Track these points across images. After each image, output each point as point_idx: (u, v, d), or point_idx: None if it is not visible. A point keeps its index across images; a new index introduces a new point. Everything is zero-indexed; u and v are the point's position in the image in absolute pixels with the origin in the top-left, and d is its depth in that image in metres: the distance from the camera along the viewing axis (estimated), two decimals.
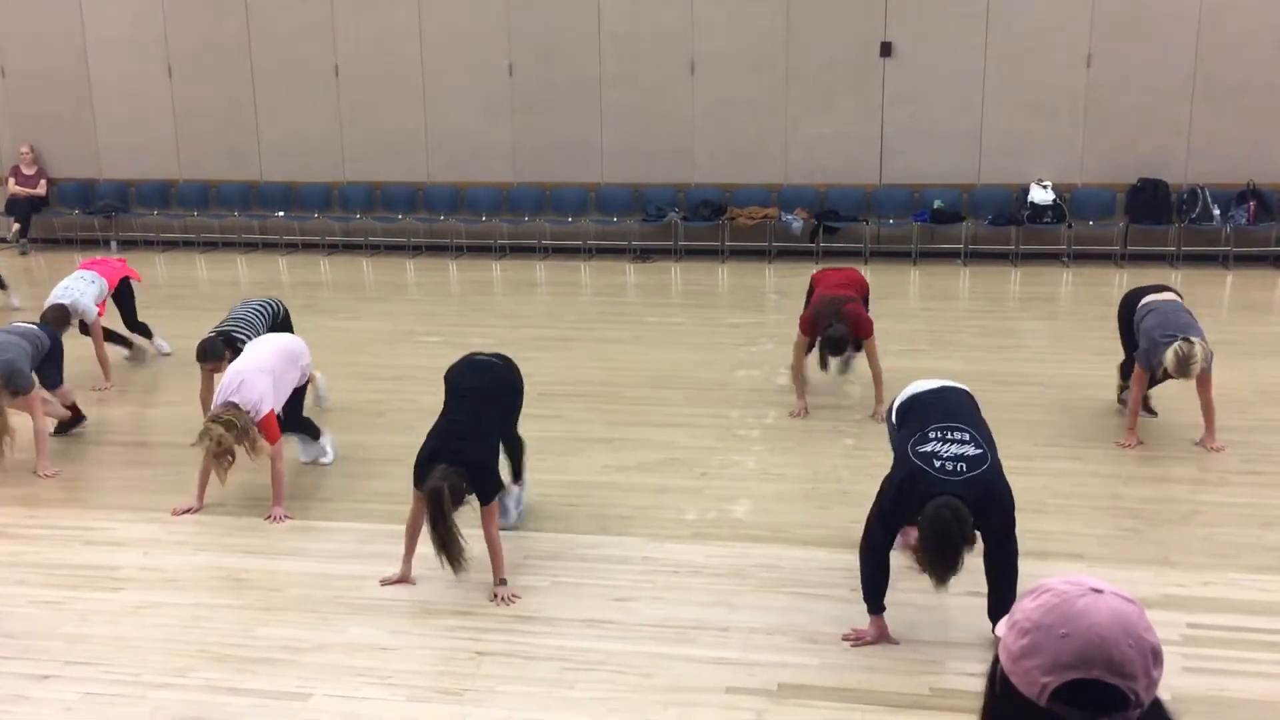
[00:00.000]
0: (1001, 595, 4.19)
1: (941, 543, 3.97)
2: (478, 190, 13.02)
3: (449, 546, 4.56)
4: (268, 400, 5.63)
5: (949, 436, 4.27)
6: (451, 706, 4.01)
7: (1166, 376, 6.28)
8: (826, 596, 4.72)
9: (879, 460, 6.35)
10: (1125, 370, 6.86)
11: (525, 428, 5.52)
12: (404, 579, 4.91)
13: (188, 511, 5.73)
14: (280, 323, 7.24)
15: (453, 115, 12.93)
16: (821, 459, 6.36)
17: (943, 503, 4.00)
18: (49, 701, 4.09)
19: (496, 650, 4.36)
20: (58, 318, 7.47)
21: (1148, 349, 6.26)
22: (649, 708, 3.97)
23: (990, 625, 4.24)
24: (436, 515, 4.52)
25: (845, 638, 4.36)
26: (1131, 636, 1.38)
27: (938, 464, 4.15)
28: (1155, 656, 1.40)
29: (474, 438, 4.88)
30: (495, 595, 4.78)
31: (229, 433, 5.38)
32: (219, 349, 6.60)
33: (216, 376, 6.38)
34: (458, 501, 4.60)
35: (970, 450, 4.20)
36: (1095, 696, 1.37)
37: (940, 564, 4.00)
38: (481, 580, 4.93)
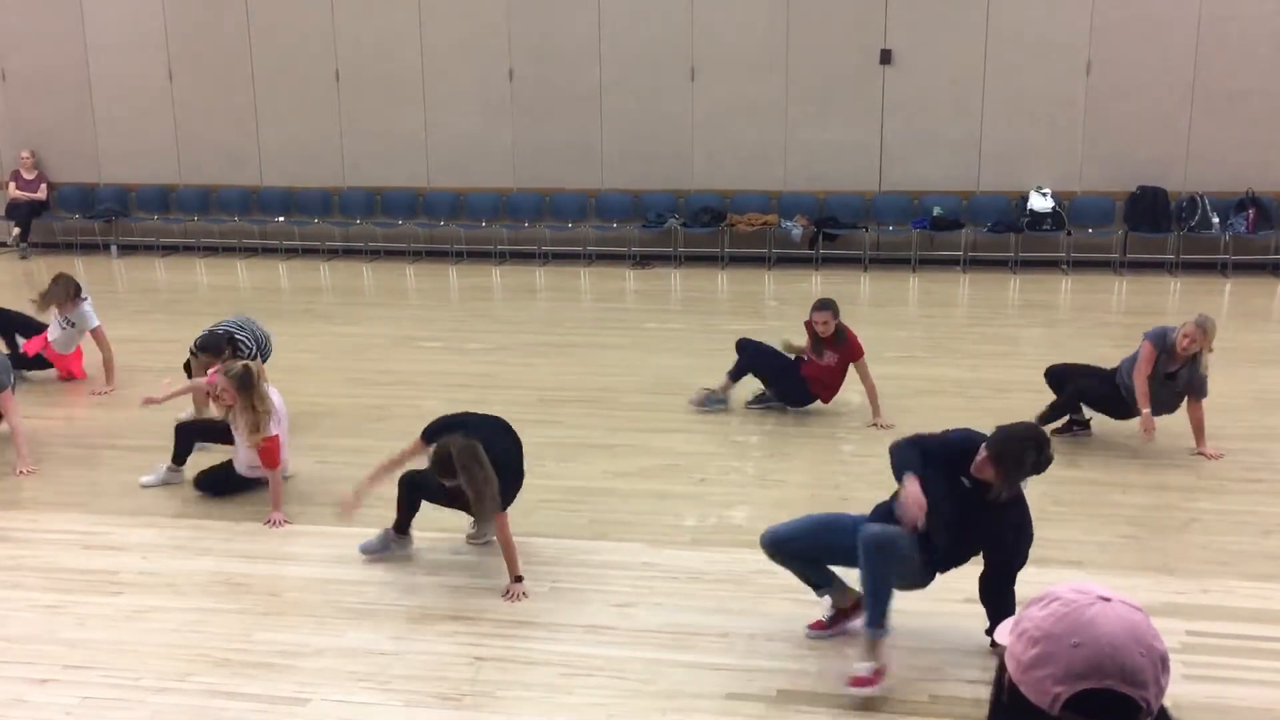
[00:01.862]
0: (1000, 603, 4.18)
1: (1021, 437, 4.07)
2: (478, 195, 13.03)
3: (487, 488, 4.69)
4: (283, 426, 5.78)
5: None
6: (450, 712, 4.00)
7: (1172, 358, 6.24)
8: (824, 603, 4.72)
9: (878, 467, 6.34)
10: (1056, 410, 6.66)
11: (525, 432, 5.51)
12: (350, 504, 5.12)
13: (150, 401, 6.21)
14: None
15: (453, 120, 12.94)
16: (820, 465, 6.36)
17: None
18: (48, 706, 4.08)
19: (495, 656, 4.36)
20: None
21: (1162, 333, 6.27)
22: (648, 714, 3.96)
23: (987, 635, 4.24)
24: (472, 465, 4.65)
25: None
26: (1142, 645, 1.39)
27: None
28: (1164, 664, 1.40)
29: (497, 438, 5.04)
30: (509, 591, 4.80)
31: (245, 378, 5.64)
32: (221, 344, 6.65)
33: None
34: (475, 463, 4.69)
35: None
36: (1107, 705, 1.37)
37: (1011, 455, 4.00)
38: (479, 586, 4.93)
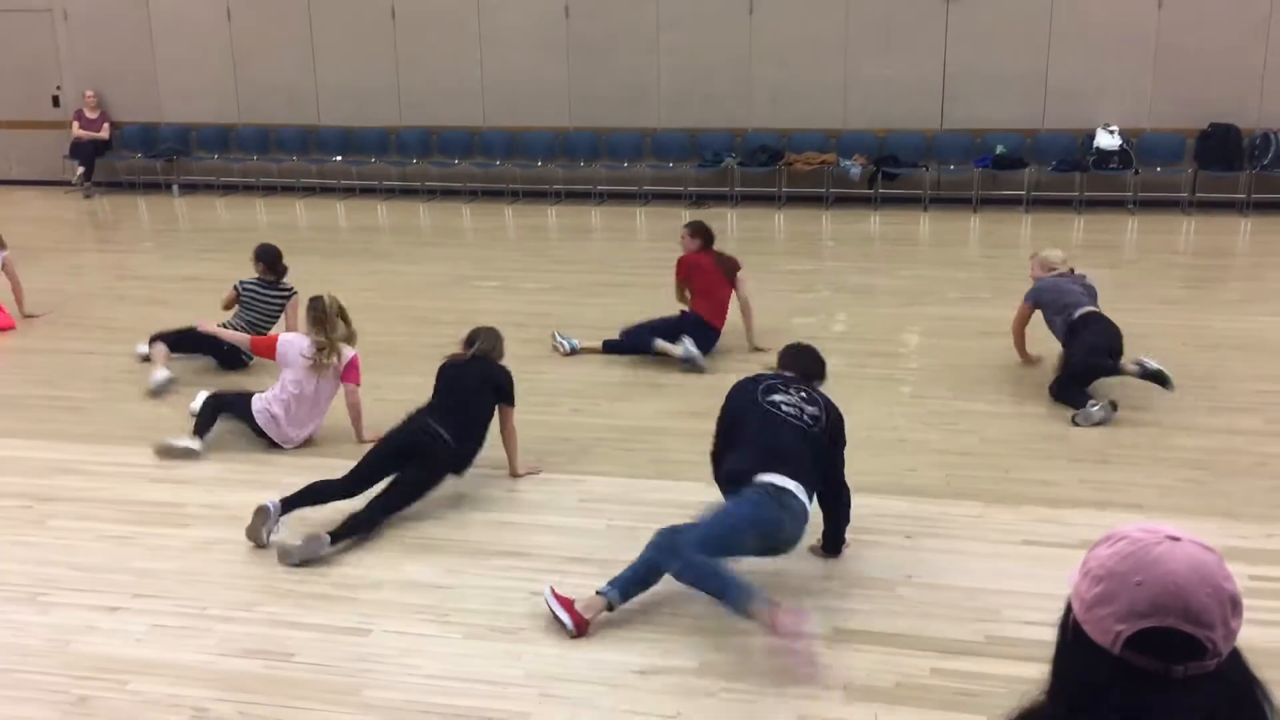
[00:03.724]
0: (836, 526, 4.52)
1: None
2: (533, 135, 12.98)
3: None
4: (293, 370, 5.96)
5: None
6: (506, 644, 4.07)
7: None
8: (881, 543, 4.72)
9: (935, 409, 6.32)
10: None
11: (580, 371, 5.52)
12: None
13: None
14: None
15: (509, 59, 12.87)
16: (878, 406, 6.32)
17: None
18: (119, 633, 4.21)
19: None
20: None
21: (1034, 289, 6.80)
22: (703, 649, 4.00)
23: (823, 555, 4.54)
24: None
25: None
26: (1209, 585, 1.36)
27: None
28: (1234, 605, 1.38)
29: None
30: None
31: (313, 308, 5.94)
32: (275, 257, 7.19)
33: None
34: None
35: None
36: (1170, 645, 1.35)
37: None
38: (534, 523, 4.99)
